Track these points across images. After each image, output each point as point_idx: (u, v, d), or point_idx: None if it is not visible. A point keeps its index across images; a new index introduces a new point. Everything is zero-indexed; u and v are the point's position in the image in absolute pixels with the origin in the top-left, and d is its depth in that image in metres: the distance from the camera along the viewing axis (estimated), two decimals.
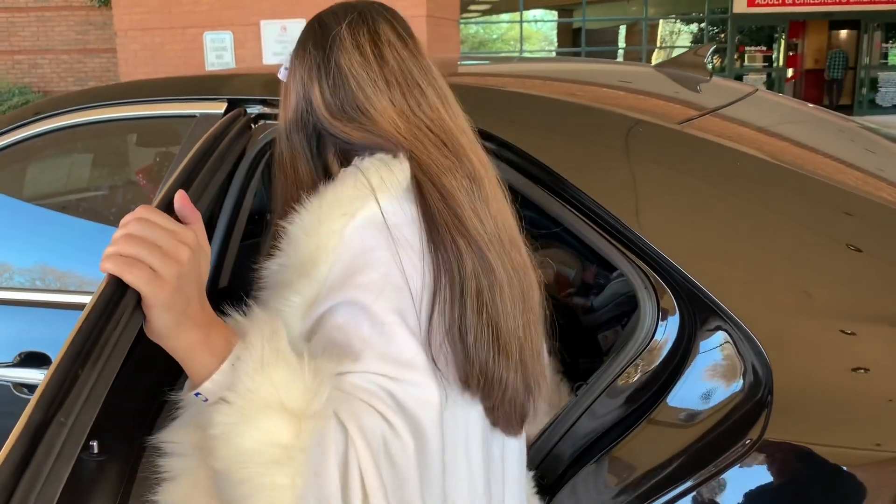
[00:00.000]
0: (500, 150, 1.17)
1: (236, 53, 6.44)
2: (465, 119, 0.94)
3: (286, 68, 0.99)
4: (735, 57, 15.45)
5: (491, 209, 0.89)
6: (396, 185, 0.85)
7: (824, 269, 1.03)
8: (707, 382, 1.04)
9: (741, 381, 1.01)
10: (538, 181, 1.16)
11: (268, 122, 1.40)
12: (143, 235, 0.72)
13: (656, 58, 15.97)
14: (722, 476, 0.96)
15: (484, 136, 1.09)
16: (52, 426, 0.61)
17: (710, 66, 1.57)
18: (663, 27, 17.42)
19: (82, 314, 0.71)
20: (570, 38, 17.83)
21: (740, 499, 0.97)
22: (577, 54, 16.95)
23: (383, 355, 0.78)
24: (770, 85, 14.96)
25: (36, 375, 1.44)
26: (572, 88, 1.47)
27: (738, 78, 13.98)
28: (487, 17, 19.03)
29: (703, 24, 16.56)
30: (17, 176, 2.04)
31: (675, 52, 16.90)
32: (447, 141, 0.90)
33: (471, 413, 0.88)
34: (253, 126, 1.37)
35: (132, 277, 0.69)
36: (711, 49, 1.65)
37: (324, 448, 0.72)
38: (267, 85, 1.43)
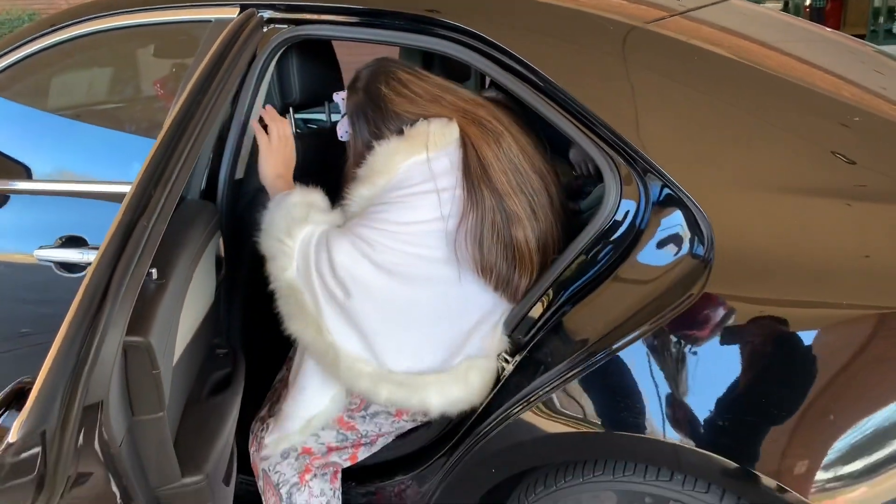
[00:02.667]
0: (488, 49, 1.32)
1: None
2: (475, 95, 1.42)
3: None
4: None
5: (518, 160, 1.32)
6: (444, 143, 1.30)
7: (764, 150, 1.17)
8: (661, 247, 1.20)
9: (689, 245, 1.16)
10: (520, 76, 1.30)
11: (278, 25, 1.53)
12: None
13: None
14: (670, 324, 1.12)
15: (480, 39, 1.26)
16: (136, 228, 0.80)
17: None
18: None
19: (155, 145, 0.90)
20: None
21: (685, 342, 1.13)
22: None
23: (373, 228, 1.28)
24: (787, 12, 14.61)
25: (75, 256, 1.61)
26: None
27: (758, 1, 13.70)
28: None
29: None
30: (39, 86, 2.17)
31: None
32: (474, 118, 1.34)
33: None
34: (265, 29, 1.50)
35: (263, 140, 1.48)
36: None
37: (310, 236, 1.31)
38: None
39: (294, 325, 1.31)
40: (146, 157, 0.95)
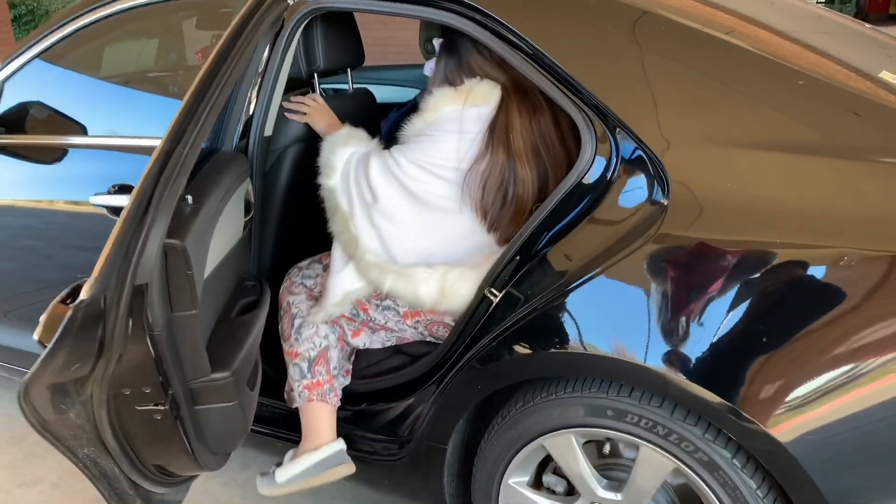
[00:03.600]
0: (486, 21, 1.49)
1: None
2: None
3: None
4: None
5: (550, 134, 1.60)
6: (481, 99, 1.58)
7: (716, 111, 1.33)
8: (627, 194, 1.37)
9: (648, 192, 1.33)
10: (511, 44, 1.48)
11: None
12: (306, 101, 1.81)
13: None
14: (629, 258, 1.30)
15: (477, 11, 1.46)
16: (174, 153, 1.01)
17: None
18: None
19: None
20: None
21: (643, 274, 1.30)
22: None
23: (405, 153, 1.62)
24: None
25: (125, 201, 1.83)
26: None
27: None
28: None
29: None
30: (93, 54, 2.40)
31: None
32: (524, 88, 1.59)
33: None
34: (291, 1, 1.69)
35: (306, 118, 1.85)
36: None
37: (351, 155, 1.69)
38: None
39: (332, 221, 1.67)
40: (184, 99, 1.17)
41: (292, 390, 1.74)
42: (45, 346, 0.96)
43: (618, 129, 1.38)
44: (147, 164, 1.08)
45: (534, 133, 1.59)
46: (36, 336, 0.99)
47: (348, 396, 1.80)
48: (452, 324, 1.66)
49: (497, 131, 1.57)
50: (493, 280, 1.53)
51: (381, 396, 1.77)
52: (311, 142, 1.90)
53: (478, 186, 1.57)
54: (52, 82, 2.23)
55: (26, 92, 2.18)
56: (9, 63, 2.19)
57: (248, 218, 1.68)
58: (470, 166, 1.57)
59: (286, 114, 1.86)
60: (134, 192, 1.06)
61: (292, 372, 1.74)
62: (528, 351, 1.42)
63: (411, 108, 2.62)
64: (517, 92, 1.60)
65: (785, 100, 1.33)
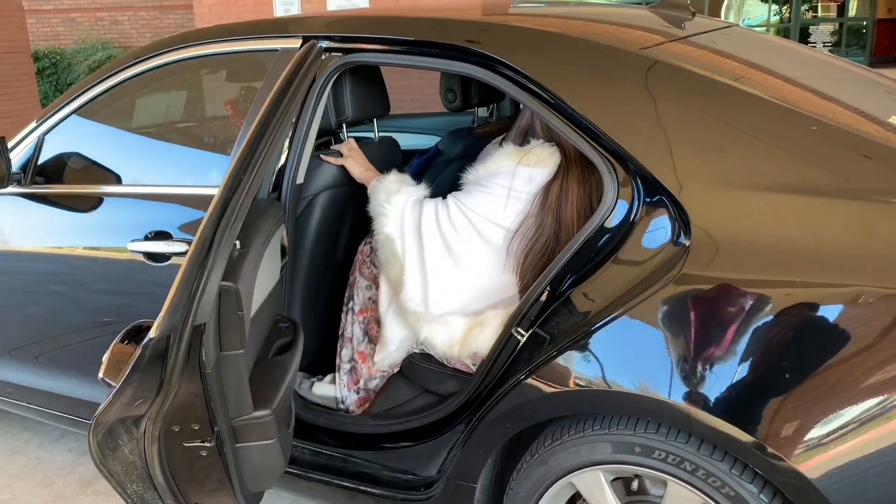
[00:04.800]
0: (512, 74, 1.57)
1: (302, 7, 6.82)
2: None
3: None
4: (807, 8, 15.01)
5: (576, 198, 1.63)
6: (537, 162, 1.62)
7: (736, 155, 1.39)
8: (649, 235, 1.43)
9: (671, 234, 1.39)
10: (536, 96, 1.55)
11: (334, 53, 1.81)
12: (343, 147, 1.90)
13: (723, 7, 15.68)
14: (653, 298, 1.35)
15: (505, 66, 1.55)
16: (231, 201, 1.09)
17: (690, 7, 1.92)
18: None
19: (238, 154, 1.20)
20: None
21: (667, 313, 1.35)
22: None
23: (458, 201, 1.69)
24: (841, 35, 14.47)
25: (162, 247, 1.91)
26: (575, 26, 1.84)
27: (805, 29, 13.66)
28: None
29: None
30: (127, 107, 2.50)
31: (745, 3, 16.45)
32: (583, 160, 1.62)
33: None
34: (323, 57, 1.78)
35: (343, 161, 1.93)
36: None
37: (405, 202, 1.73)
38: (332, 24, 1.84)
39: (387, 267, 1.75)
40: (236, 155, 1.25)
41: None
42: (110, 384, 1.02)
43: (638, 173, 1.44)
44: (207, 211, 1.16)
45: (584, 203, 1.64)
46: (101, 374, 1.04)
47: (375, 436, 1.84)
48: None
49: (550, 198, 1.63)
50: (519, 320, 1.58)
51: (410, 436, 1.80)
52: (339, 188, 1.98)
53: (521, 251, 1.64)
54: (88, 135, 2.32)
55: (64, 144, 2.28)
56: (48, 118, 2.29)
57: (283, 262, 1.75)
58: (516, 228, 1.64)
59: (323, 156, 1.93)
60: (196, 237, 1.13)
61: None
62: (556, 389, 1.46)
63: (433, 154, 2.70)
64: (578, 161, 1.64)
65: (798, 143, 1.39)
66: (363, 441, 1.86)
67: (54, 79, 12.29)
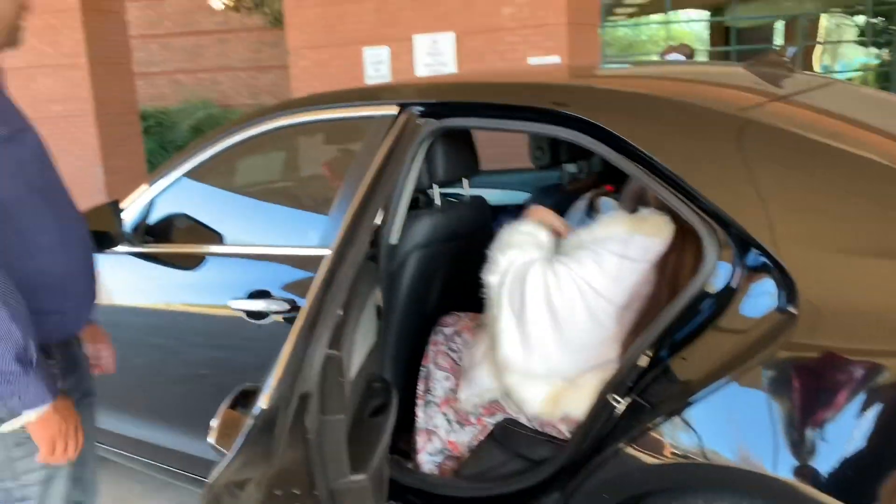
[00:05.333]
0: (613, 141, 1.57)
1: (392, 66, 7.04)
2: None
3: None
4: None
5: (690, 270, 1.53)
6: (652, 232, 1.58)
7: (842, 219, 1.34)
8: (754, 302, 1.38)
9: (776, 300, 1.34)
10: (632, 158, 1.54)
11: (428, 119, 1.85)
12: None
13: (817, 54, 15.28)
14: (758, 367, 1.30)
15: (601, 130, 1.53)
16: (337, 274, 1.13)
17: (790, 63, 1.87)
18: (826, 22, 16.56)
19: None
20: (721, 36, 17.39)
21: (773, 384, 1.29)
22: (727, 54, 16.50)
23: (566, 266, 1.62)
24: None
25: (262, 306, 1.97)
26: (673, 87, 1.83)
27: None
28: (635, 20, 18.89)
29: (866, 17, 15.58)
30: (228, 171, 2.63)
31: (840, 47, 15.95)
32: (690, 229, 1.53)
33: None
34: (418, 122, 1.83)
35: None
36: (793, 50, 1.94)
37: (515, 259, 1.67)
38: (425, 91, 1.89)
39: (487, 312, 1.73)
40: (344, 223, 1.30)
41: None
42: (220, 451, 1.05)
43: (740, 237, 1.40)
44: (314, 281, 1.20)
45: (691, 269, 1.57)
46: (211, 440, 1.08)
47: (466, 499, 1.81)
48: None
49: (667, 270, 1.58)
50: (615, 386, 1.54)
51: (502, 501, 1.77)
52: (431, 247, 2.01)
53: (630, 323, 1.60)
54: (195, 196, 2.45)
55: (173, 205, 2.41)
56: (158, 180, 2.43)
57: (379, 323, 1.78)
58: (625, 300, 1.59)
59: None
60: (304, 309, 1.17)
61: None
62: (656, 460, 1.41)
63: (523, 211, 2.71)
64: (692, 235, 1.55)
65: None
66: None
67: (159, 137, 13.05)
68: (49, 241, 1.41)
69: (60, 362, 1.45)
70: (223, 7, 12.44)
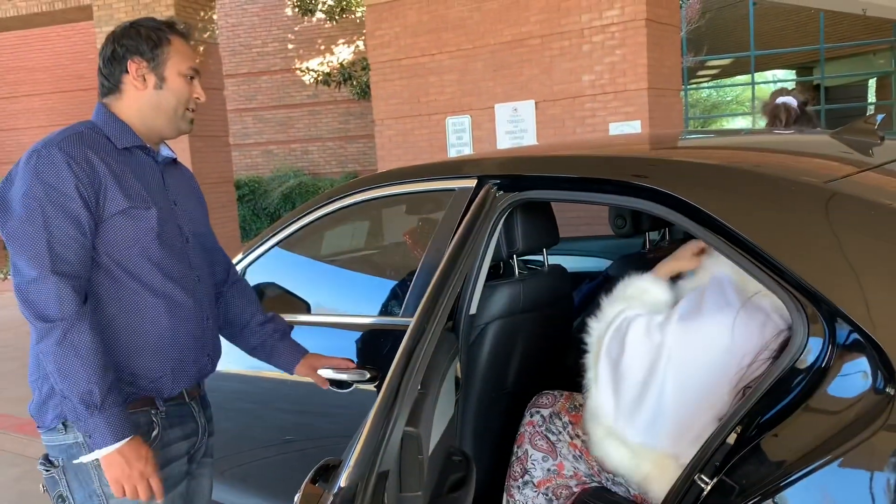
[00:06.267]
0: (695, 213, 1.55)
1: (473, 134, 7.20)
2: None
3: None
4: None
5: None
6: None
7: None
8: (846, 382, 1.32)
9: (871, 380, 1.28)
10: (715, 230, 1.52)
11: (505, 192, 1.89)
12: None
13: None
14: (855, 451, 1.23)
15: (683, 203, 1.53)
16: (415, 350, 1.15)
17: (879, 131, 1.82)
18: None
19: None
20: (810, 95, 17.01)
21: (871, 469, 1.22)
22: (818, 113, 16.07)
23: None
24: None
25: (345, 376, 2.02)
26: (749, 157, 1.80)
27: None
28: (718, 81, 18.71)
29: None
30: (318, 242, 2.74)
31: None
32: None
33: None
34: (497, 194, 1.87)
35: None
36: (881, 117, 1.88)
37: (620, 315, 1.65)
38: (504, 165, 1.93)
39: (588, 361, 1.69)
40: (424, 298, 1.33)
41: None
42: None
43: (831, 313, 1.35)
44: (394, 359, 1.23)
45: None
46: None
47: None
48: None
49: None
50: (702, 465, 1.49)
51: None
52: (510, 318, 2.01)
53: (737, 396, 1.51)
54: (283, 266, 2.56)
55: (263, 275, 2.52)
56: (250, 252, 2.55)
57: (458, 396, 1.79)
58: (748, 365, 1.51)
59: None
60: (384, 385, 1.20)
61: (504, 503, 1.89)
62: None
63: (603, 280, 2.69)
64: None
65: None
66: None
67: (252, 204, 13.67)
68: (153, 310, 1.58)
69: (165, 416, 1.63)
70: (313, 82, 13.08)
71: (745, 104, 18.18)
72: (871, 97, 16.94)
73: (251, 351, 1.95)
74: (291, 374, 1.92)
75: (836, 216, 1.43)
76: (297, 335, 2.37)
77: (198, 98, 1.68)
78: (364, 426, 1.13)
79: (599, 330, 1.67)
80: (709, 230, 1.54)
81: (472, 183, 1.94)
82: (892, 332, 1.27)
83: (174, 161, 1.74)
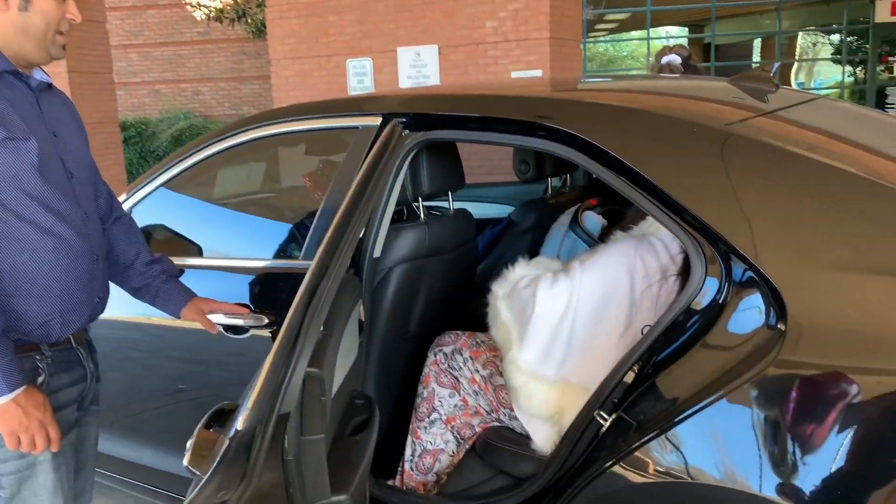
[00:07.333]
0: (599, 154, 1.55)
1: (375, 78, 7.03)
2: None
3: None
4: (881, 69, 14.70)
5: None
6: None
7: (830, 234, 1.33)
8: (741, 319, 1.36)
9: (764, 316, 1.32)
10: (616, 170, 1.53)
11: (411, 131, 1.83)
12: None
13: (794, 71, 15.49)
14: (747, 385, 1.28)
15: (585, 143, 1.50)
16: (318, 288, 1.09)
17: (776, 79, 1.88)
18: (802, 39, 16.80)
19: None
20: (700, 53, 17.58)
21: (762, 402, 1.27)
22: (707, 70, 16.63)
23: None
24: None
25: (241, 322, 1.93)
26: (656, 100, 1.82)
27: (882, 90, 13.34)
28: (615, 36, 19.04)
29: (842, 35, 15.84)
30: (207, 181, 2.59)
31: (815, 65, 16.21)
32: None
33: None
34: (403, 133, 1.81)
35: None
36: (777, 65, 1.94)
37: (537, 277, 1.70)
38: (411, 103, 1.87)
39: (493, 326, 1.77)
40: (327, 236, 1.26)
41: (403, 461, 1.91)
42: (195, 473, 1.01)
43: (728, 252, 1.39)
44: (296, 296, 1.16)
45: None
46: (185, 462, 1.04)
47: None
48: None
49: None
50: (601, 402, 1.52)
51: None
52: (414, 261, 1.98)
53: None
54: (173, 207, 2.41)
55: (150, 216, 2.36)
56: (135, 192, 2.38)
57: (361, 339, 1.74)
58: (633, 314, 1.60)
59: None
60: (285, 325, 1.13)
61: (408, 445, 1.92)
62: (643, 480, 1.38)
63: (506, 225, 2.69)
64: None
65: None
66: None
67: (139, 147, 12.94)
68: (40, 249, 1.45)
69: (51, 362, 1.51)
70: (205, 18, 12.38)
71: (640, 59, 18.65)
72: (756, 57, 17.71)
73: (135, 293, 1.82)
74: (178, 317, 1.81)
75: (734, 158, 1.46)
76: (189, 280, 2.25)
77: (72, 19, 1.51)
78: (262, 369, 1.07)
79: (504, 291, 1.74)
80: (612, 171, 1.54)
81: (377, 121, 1.87)
82: (784, 269, 1.31)
83: (49, 86, 1.57)
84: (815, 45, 16.90)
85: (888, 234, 1.31)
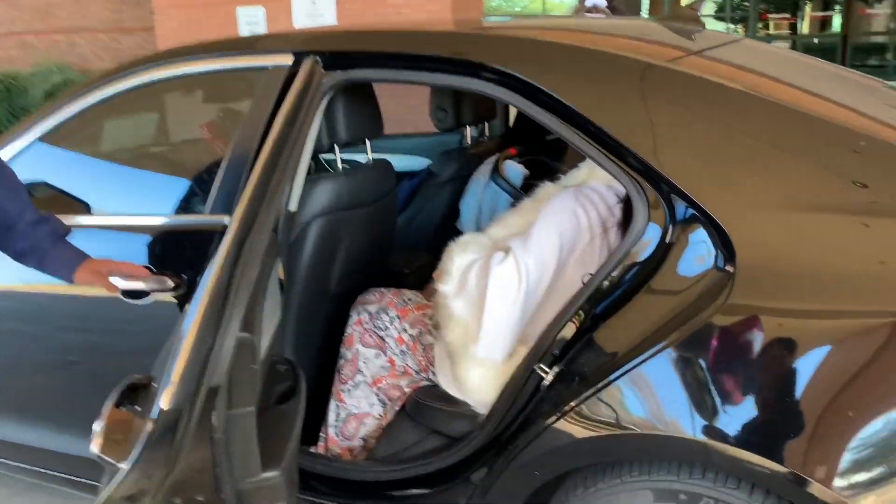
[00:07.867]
0: (529, 90, 1.46)
1: (268, 28, 6.70)
2: None
3: None
4: (761, 26, 15.35)
5: None
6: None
7: (778, 173, 1.29)
8: (688, 262, 1.31)
9: (713, 259, 1.28)
10: (552, 111, 1.44)
11: (327, 70, 1.67)
12: None
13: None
14: (697, 331, 1.24)
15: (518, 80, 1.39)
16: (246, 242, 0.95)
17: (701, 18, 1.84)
18: None
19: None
20: None
21: (712, 348, 1.24)
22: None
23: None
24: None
25: (141, 285, 1.74)
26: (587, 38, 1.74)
27: None
28: None
29: None
30: (93, 134, 2.33)
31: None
32: None
33: None
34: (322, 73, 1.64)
35: None
36: (703, 3, 1.90)
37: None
38: (329, 39, 1.71)
39: (447, 329, 1.65)
40: (250, 185, 1.11)
41: (326, 427, 1.82)
42: (106, 459, 0.86)
43: (671, 194, 1.33)
44: (218, 253, 1.01)
45: None
46: (95, 449, 0.88)
47: (384, 482, 1.69)
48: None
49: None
50: (541, 355, 1.45)
51: (420, 482, 1.65)
52: (333, 214, 1.84)
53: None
54: (54, 163, 2.15)
55: (29, 173, 2.10)
56: (5, 146, 2.11)
57: (282, 298, 1.60)
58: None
59: None
60: (208, 287, 0.98)
61: (331, 410, 1.81)
62: (589, 433, 1.33)
63: (426, 176, 2.58)
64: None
65: (852, 163, 1.30)
66: (367, 489, 1.70)
67: (8, 103, 11.93)
68: None
69: None
70: None
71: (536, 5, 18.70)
72: (644, 12, 18.13)
73: (19, 257, 1.60)
74: (71, 282, 1.60)
75: (680, 100, 1.41)
76: (79, 241, 2.03)
77: None
78: (183, 338, 0.91)
79: (453, 288, 1.63)
80: (546, 110, 1.45)
81: (289, 59, 1.70)
82: (729, 208, 1.27)
83: None
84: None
85: (833, 175, 1.28)
